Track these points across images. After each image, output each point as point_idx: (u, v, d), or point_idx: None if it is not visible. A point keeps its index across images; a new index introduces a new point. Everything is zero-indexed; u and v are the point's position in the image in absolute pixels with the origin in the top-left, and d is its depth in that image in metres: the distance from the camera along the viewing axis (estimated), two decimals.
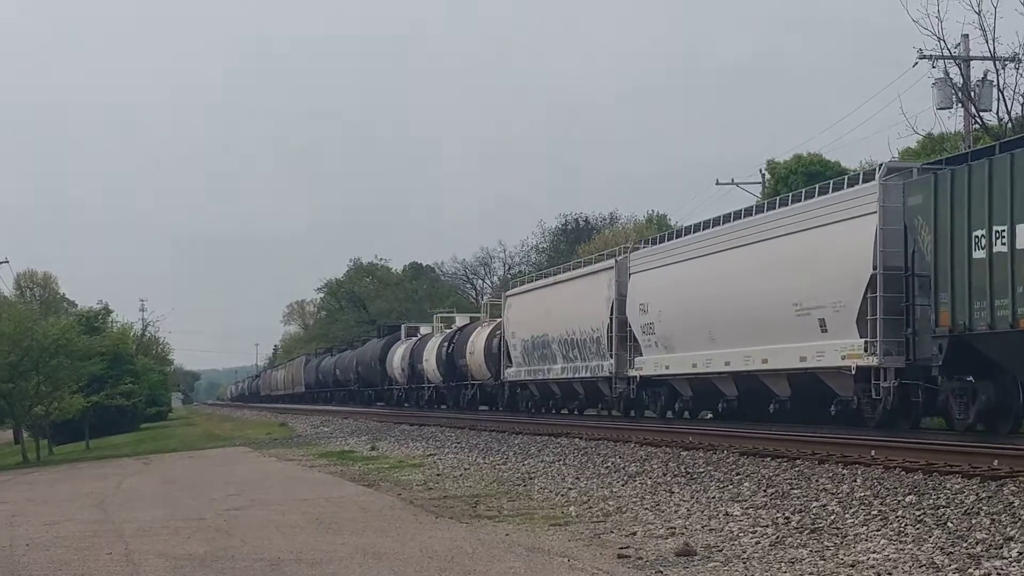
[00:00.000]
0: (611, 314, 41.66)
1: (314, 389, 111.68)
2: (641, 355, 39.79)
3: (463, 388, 61.44)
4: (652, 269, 39.33)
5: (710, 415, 38.36)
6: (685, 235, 38.02)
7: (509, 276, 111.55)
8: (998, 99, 43.69)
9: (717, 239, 34.79)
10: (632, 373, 40.53)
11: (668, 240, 40.19)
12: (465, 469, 25.92)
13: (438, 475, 25.03)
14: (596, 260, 46.90)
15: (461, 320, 68.73)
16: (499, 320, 56.41)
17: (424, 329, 75.63)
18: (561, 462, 25.09)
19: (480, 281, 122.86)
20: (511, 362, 52.52)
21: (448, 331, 66.24)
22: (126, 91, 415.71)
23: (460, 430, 38.39)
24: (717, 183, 68.22)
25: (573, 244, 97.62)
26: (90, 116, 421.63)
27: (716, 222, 35.76)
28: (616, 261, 42.28)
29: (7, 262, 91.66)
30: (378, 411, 66.48)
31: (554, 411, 49.64)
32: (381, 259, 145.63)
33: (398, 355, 74.20)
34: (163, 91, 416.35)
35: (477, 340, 58.03)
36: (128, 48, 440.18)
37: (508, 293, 56.36)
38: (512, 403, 54.02)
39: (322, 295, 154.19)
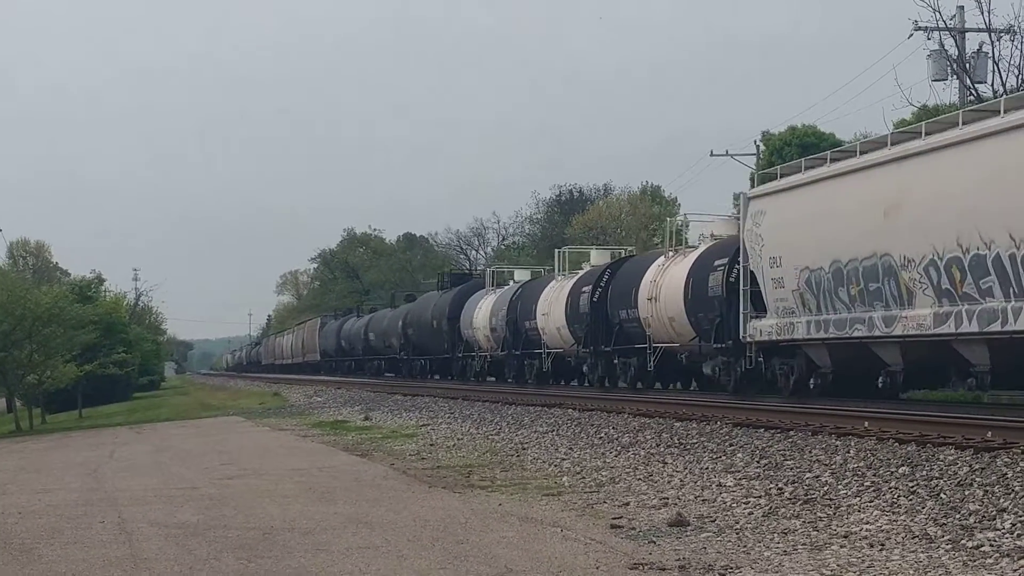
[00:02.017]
0: None
1: (334, 357, 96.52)
2: None
3: (627, 357, 39.79)
4: None
5: None
6: None
7: (503, 247, 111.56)
8: (993, 71, 43.70)
9: None
10: None
11: None
12: (458, 439, 25.92)
13: (431, 445, 25.04)
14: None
15: (599, 257, 49.05)
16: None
17: (520, 275, 57.79)
18: (554, 433, 25.09)
19: (474, 252, 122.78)
20: (754, 311, 30.30)
21: (590, 269, 45.27)
22: (129, 59, 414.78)
23: (453, 400, 38.40)
24: (712, 154, 68.15)
25: (567, 215, 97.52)
26: (90, 84, 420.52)
27: None
28: None
29: (0, 231, 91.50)
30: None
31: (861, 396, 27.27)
32: (375, 229, 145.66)
33: (483, 311, 54.96)
34: (166, 60, 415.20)
35: (673, 274, 35.86)
36: (128, 20, 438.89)
37: (758, 192, 30.98)
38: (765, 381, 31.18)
39: (315, 265, 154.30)
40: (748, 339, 30.24)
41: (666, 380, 40.08)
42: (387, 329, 75.24)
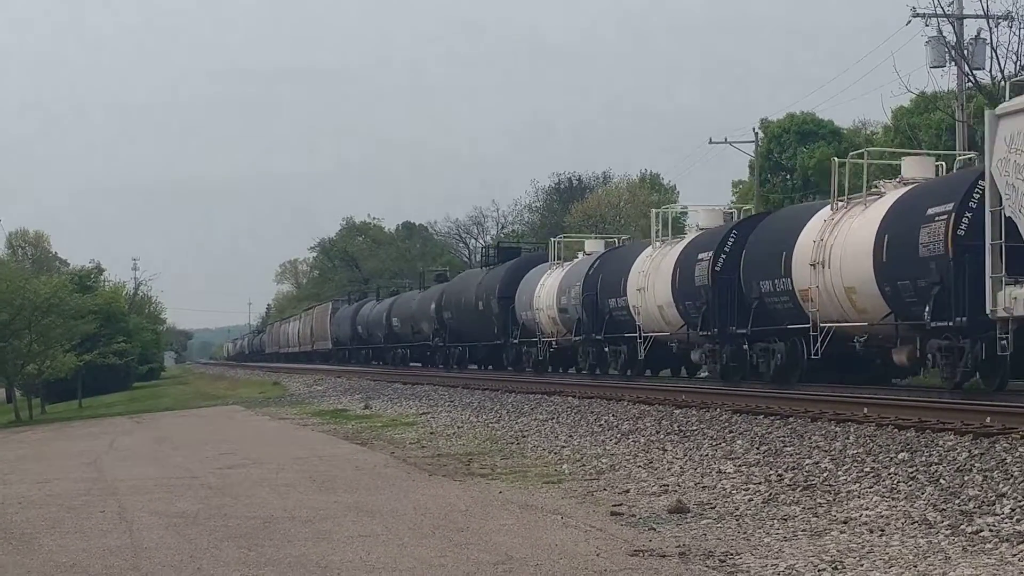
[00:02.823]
0: None
1: (348, 346, 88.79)
2: None
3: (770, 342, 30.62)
4: None
5: None
6: None
7: (502, 235, 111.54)
8: (991, 57, 43.59)
9: None
10: None
11: None
12: (458, 427, 25.93)
13: (431, 433, 25.05)
14: None
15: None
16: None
17: (592, 245, 47.77)
18: (554, 420, 25.11)
19: (473, 240, 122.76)
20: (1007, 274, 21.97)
21: (703, 232, 36.40)
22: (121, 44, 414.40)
23: (453, 388, 38.40)
24: (711, 141, 68.01)
25: (566, 203, 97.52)
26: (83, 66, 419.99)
27: None
28: None
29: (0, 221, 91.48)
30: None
31: None
32: (374, 218, 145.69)
33: (548, 289, 46.28)
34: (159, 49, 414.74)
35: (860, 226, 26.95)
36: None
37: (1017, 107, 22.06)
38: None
39: (315, 254, 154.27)
40: (1005, 312, 21.73)
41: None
42: (416, 313, 66.80)
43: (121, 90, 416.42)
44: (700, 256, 33.74)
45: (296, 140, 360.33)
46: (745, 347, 31.18)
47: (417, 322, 66.43)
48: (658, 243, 36.93)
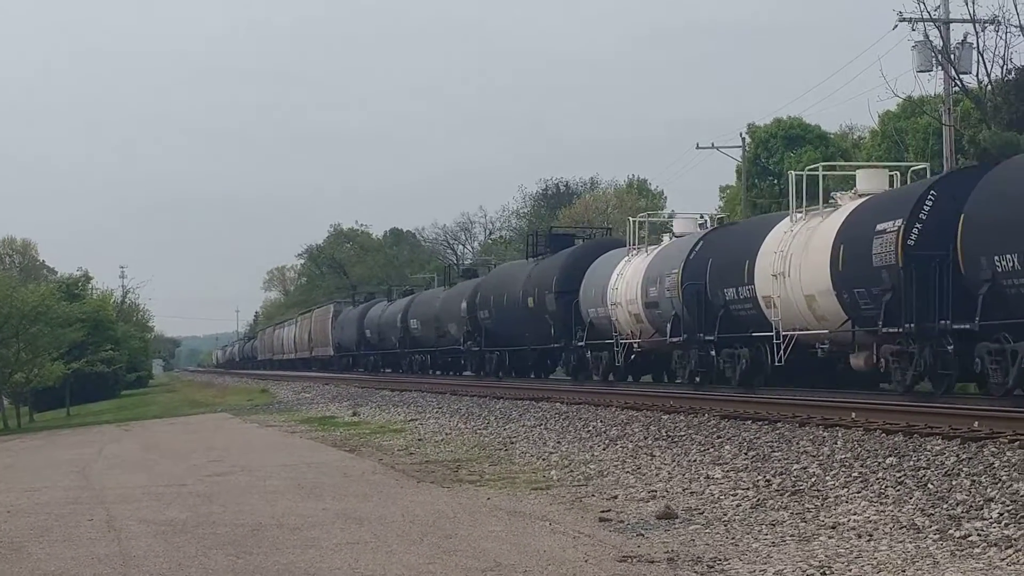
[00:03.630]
0: None
1: (354, 351, 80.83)
2: None
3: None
4: None
5: None
6: None
7: (490, 241, 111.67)
8: (978, 61, 43.81)
9: None
10: None
11: None
12: (447, 434, 25.93)
13: (419, 440, 25.04)
14: None
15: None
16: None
17: (682, 225, 39.74)
18: (542, 426, 25.11)
19: (460, 247, 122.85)
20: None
21: (872, 197, 27.41)
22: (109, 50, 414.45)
23: (441, 395, 38.40)
24: (697, 147, 68.10)
25: (553, 209, 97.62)
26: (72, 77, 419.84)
27: None
28: None
29: None
30: (360, 377, 56.06)
31: None
32: (361, 225, 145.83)
33: (628, 279, 37.92)
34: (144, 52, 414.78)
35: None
36: (108, 6, 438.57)
37: None
38: None
39: (302, 261, 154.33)
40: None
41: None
42: (441, 313, 58.39)
43: (112, 98, 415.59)
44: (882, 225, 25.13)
45: (283, 146, 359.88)
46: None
47: (442, 324, 58.07)
48: (799, 215, 29.38)
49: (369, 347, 75.98)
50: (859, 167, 31.80)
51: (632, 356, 38.38)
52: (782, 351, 28.61)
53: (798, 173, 31.01)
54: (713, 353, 32.41)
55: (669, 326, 34.52)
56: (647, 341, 36.89)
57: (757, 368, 30.19)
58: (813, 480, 14.94)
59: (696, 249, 33.97)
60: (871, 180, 28.93)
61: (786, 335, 28.63)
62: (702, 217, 40.31)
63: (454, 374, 58.94)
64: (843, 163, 37.41)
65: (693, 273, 33.31)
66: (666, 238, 39.28)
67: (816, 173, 30.05)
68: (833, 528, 12.16)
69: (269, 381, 75.45)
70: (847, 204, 27.92)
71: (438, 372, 61.90)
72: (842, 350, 27.53)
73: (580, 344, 41.35)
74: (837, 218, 27.43)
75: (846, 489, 14.11)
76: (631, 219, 41.37)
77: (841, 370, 28.48)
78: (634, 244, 39.46)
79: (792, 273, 28.23)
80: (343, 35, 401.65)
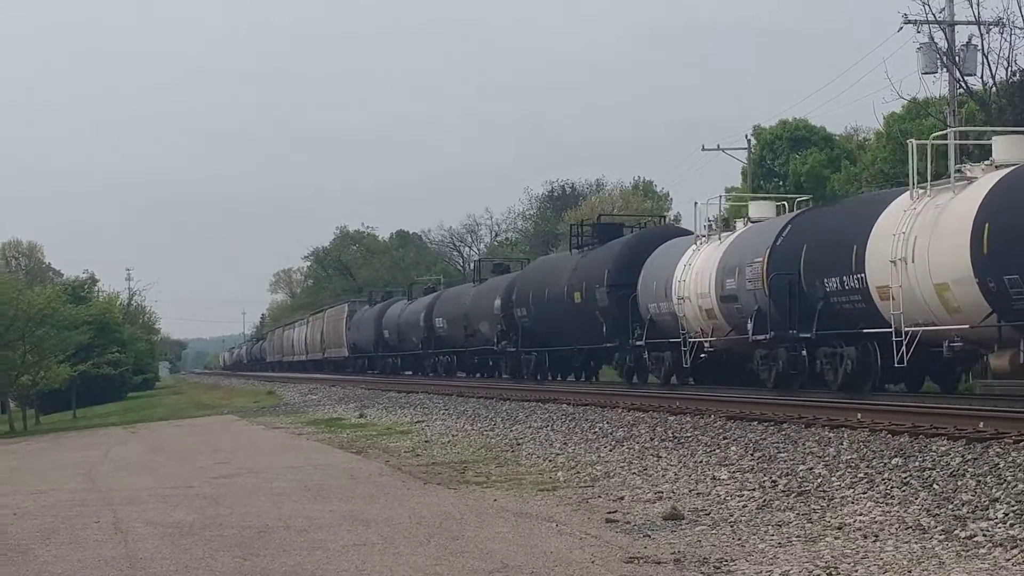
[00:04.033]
0: None
1: (371, 352, 76.87)
2: None
3: None
4: None
5: None
6: None
7: (496, 243, 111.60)
8: (982, 63, 43.76)
9: None
10: None
11: None
12: (453, 436, 25.94)
13: (426, 442, 25.05)
14: None
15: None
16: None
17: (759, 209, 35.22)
18: (549, 428, 25.11)
19: (467, 248, 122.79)
20: None
21: None
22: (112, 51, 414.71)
23: (448, 397, 38.41)
24: (703, 149, 68.06)
25: (559, 211, 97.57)
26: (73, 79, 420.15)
27: None
28: None
29: None
30: (371, 379, 55.48)
31: None
32: (368, 227, 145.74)
33: (697, 270, 33.83)
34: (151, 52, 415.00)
35: None
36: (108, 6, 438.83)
37: None
38: None
39: (309, 263, 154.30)
40: None
41: None
42: (471, 312, 54.31)
43: (113, 99, 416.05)
44: None
45: (283, 146, 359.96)
46: None
47: (473, 323, 53.85)
48: (921, 191, 25.03)
49: (388, 348, 72.46)
50: (995, 132, 27.69)
51: (702, 357, 33.89)
52: (904, 350, 24.36)
53: (920, 142, 26.43)
54: (804, 353, 28.44)
55: (751, 323, 30.30)
56: (721, 340, 32.59)
57: (864, 370, 26.47)
58: (819, 481, 14.94)
59: (784, 234, 29.88)
60: (1013, 148, 24.55)
61: (908, 331, 24.40)
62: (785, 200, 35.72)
63: (482, 376, 55.13)
64: (975, 128, 31.99)
65: (782, 262, 29.24)
66: (739, 224, 34.34)
67: (944, 142, 26.40)
68: (839, 529, 12.17)
69: (276, 383, 75.42)
70: (984, 176, 23.72)
71: (462, 374, 58.10)
72: (976, 349, 23.93)
73: (639, 343, 36.96)
74: (976, 192, 23.20)
75: (852, 490, 14.12)
76: (696, 203, 36.37)
77: (964, 372, 26.11)
78: (702, 231, 35.07)
79: (917, 259, 24.19)
80: (343, 35, 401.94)
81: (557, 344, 43.94)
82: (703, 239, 34.53)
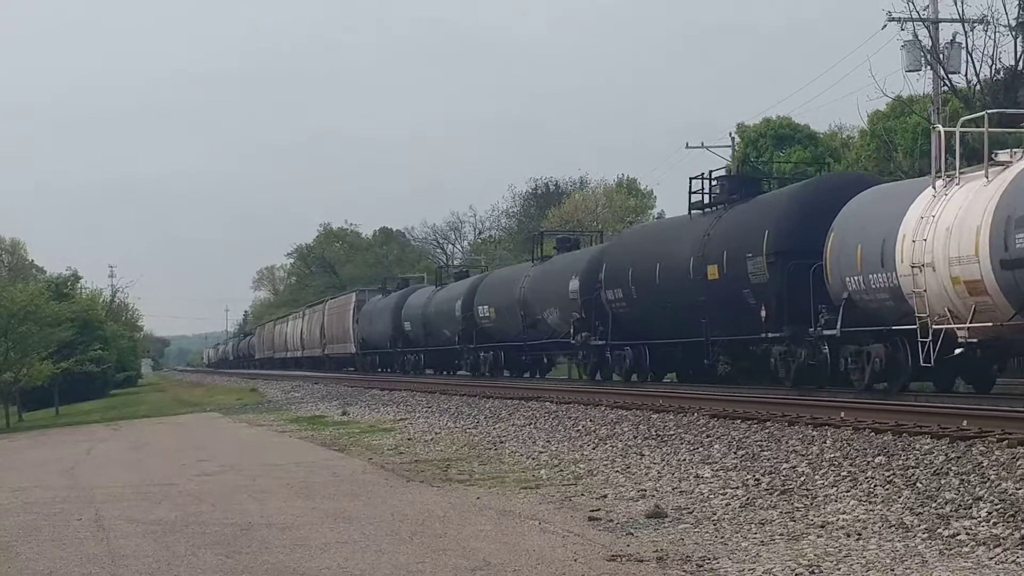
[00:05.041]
0: None
1: (386, 348, 66.41)
2: None
3: None
4: None
5: None
6: None
7: (479, 241, 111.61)
8: (967, 61, 43.79)
9: None
10: None
11: None
12: (436, 433, 25.92)
13: (409, 440, 25.04)
14: None
15: None
16: None
17: None
18: (532, 426, 25.10)
19: (450, 246, 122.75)
20: None
21: None
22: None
23: (431, 395, 38.36)
24: (687, 147, 68.15)
25: (543, 208, 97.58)
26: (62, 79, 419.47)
27: None
28: None
29: None
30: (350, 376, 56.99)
31: None
32: (351, 224, 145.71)
33: (940, 229, 22.31)
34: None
35: None
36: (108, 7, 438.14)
37: None
38: None
39: (292, 260, 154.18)
40: None
41: None
42: (530, 297, 44.78)
43: (101, 97, 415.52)
44: None
45: (272, 143, 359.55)
46: None
47: (533, 311, 44.22)
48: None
49: (408, 343, 62.46)
50: None
51: (953, 352, 22.93)
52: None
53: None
54: None
55: None
56: (994, 327, 21.78)
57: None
58: (802, 479, 14.95)
59: None
60: None
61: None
62: None
63: (538, 377, 46.44)
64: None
65: None
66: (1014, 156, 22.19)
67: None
68: (822, 527, 12.17)
69: (258, 380, 75.29)
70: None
71: (507, 373, 49.17)
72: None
73: (832, 333, 26.15)
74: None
75: (835, 488, 14.12)
76: (941, 129, 26.13)
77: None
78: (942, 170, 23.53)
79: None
80: (339, 37, 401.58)
81: (666, 336, 34.20)
82: (949, 179, 23.28)
